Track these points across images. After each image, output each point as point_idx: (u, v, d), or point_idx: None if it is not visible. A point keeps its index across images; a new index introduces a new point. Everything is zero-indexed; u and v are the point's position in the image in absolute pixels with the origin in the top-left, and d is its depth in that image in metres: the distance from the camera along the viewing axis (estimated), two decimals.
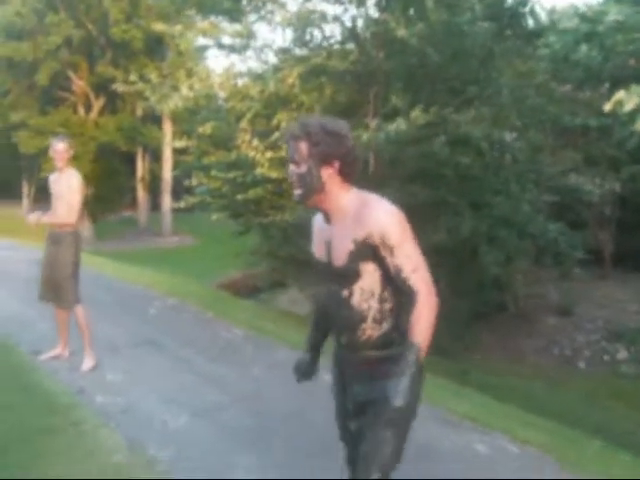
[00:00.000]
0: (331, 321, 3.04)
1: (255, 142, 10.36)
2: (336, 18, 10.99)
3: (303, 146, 2.82)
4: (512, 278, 15.92)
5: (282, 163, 10.45)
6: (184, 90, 10.78)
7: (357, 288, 2.87)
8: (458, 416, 6.17)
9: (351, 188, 2.89)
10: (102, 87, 30.80)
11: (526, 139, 11.58)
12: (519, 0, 11.22)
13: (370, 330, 2.89)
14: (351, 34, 10.83)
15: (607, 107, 4.54)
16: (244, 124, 10.67)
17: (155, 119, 32.81)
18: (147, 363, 7.32)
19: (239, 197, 10.90)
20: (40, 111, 31.27)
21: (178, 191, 30.36)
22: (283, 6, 11.29)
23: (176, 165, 29.72)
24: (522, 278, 17.20)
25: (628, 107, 4.41)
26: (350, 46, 10.83)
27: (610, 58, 16.77)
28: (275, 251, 12.93)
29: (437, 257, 11.02)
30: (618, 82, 17.72)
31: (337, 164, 2.83)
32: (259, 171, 10.46)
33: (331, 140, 2.80)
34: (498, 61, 10.98)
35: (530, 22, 11.38)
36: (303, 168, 2.83)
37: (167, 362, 7.38)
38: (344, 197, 2.86)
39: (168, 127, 32.33)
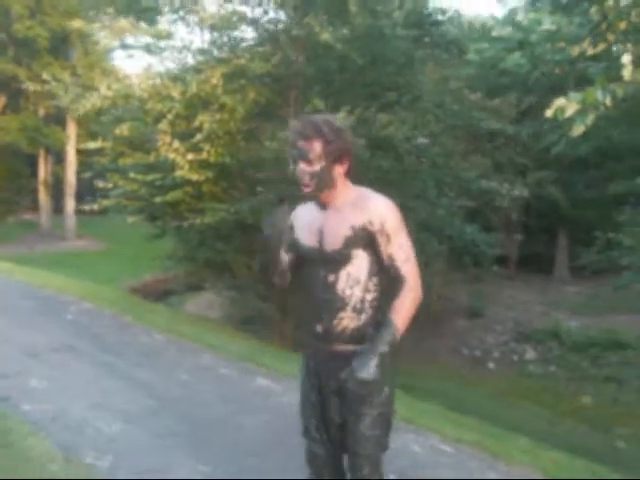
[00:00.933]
0: (311, 307, 3.06)
1: (176, 144, 10.21)
2: (254, 21, 10.96)
3: (317, 145, 2.88)
4: (430, 281, 16.19)
5: (203, 165, 10.35)
6: (103, 90, 10.53)
7: (344, 273, 2.94)
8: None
9: (349, 183, 3.01)
10: (4, 85, 29.74)
11: (440, 144, 11.79)
12: (438, 8, 11.44)
13: (348, 320, 2.95)
14: (271, 37, 10.80)
15: (548, 113, 4.67)
16: (164, 125, 10.48)
17: (58, 120, 31.89)
18: (70, 369, 7.09)
19: (157, 200, 10.69)
20: None
21: (83, 194, 29.62)
22: (202, 8, 11.14)
23: (82, 167, 28.95)
24: (438, 281, 17.54)
25: (568, 113, 4.57)
26: (268, 49, 10.76)
27: (538, 66, 17.28)
28: (192, 255, 12.75)
29: None
30: (544, 90, 18.35)
31: (347, 162, 2.95)
32: (179, 173, 10.31)
33: (340, 138, 2.90)
34: (418, 67, 11.16)
35: (451, 30, 11.63)
36: (316, 167, 2.89)
37: (91, 367, 7.16)
38: (344, 190, 2.98)
39: (72, 128, 31.47)
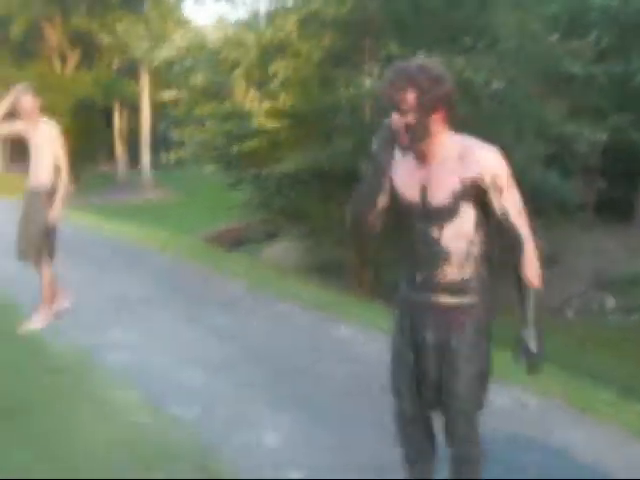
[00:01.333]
0: (412, 260, 2.96)
1: (251, 92, 10.13)
2: None
3: (410, 96, 2.70)
4: None
5: (279, 114, 10.25)
6: (177, 40, 10.50)
7: (450, 227, 2.83)
8: None
9: (450, 131, 2.84)
10: (78, 39, 30.10)
11: (518, 87, 11.39)
12: None
13: (451, 272, 2.86)
14: None
15: None
16: (239, 74, 10.40)
17: (132, 72, 32.18)
18: (154, 320, 7.18)
19: (234, 149, 10.68)
20: (15, 65, 30.51)
21: (158, 145, 29.93)
22: None
23: (156, 119, 29.24)
24: None
25: None
26: None
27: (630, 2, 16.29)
28: (268, 203, 12.77)
29: None
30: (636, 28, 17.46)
31: (444, 110, 2.76)
32: (255, 122, 10.25)
33: (437, 86, 2.71)
34: (494, 8, 10.75)
35: None
36: (411, 118, 2.72)
37: (173, 319, 7.25)
38: (446, 140, 2.82)
39: (146, 80, 31.70)
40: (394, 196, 2.98)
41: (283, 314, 7.71)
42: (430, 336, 2.92)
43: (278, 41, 10.12)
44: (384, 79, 2.85)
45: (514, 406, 5.18)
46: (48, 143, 6.45)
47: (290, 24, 9.74)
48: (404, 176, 2.94)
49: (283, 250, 17.42)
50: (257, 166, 11.00)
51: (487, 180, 2.73)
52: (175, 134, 12.63)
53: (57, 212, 6.49)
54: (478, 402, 2.96)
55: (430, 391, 2.98)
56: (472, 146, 2.78)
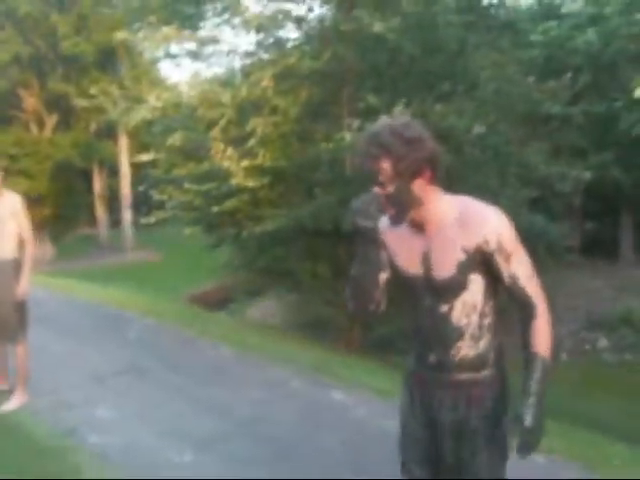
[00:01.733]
0: (421, 337, 2.72)
1: (229, 151, 9.96)
2: (300, 19, 10.67)
3: (386, 165, 2.45)
4: None
5: (258, 172, 10.08)
6: (152, 100, 10.34)
7: (459, 301, 2.58)
8: None
9: (441, 192, 2.59)
10: (54, 103, 30.11)
11: (499, 132, 11.31)
12: None
13: (466, 348, 2.62)
14: (319, 34, 10.47)
15: (637, 93, 4.26)
16: (216, 133, 10.23)
17: (110, 134, 32.17)
18: (137, 393, 6.85)
19: (214, 209, 10.46)
20: None
21: (139, 205, 29.81)
22: (245, 9, 10.87)
23: (136, 179, 29.14)
24: None
25: None
26: (316, 46, 10.43)
27: (611, 43, 16.25)
28: (251, 262, 12.52)
29: None
30: (616, 67, 17.50)
31: (428, 172, 2.50)
32: (234, 181, 10.05)
33: (414, 150, 2.45)
34: (473, 54, 10.71)
35: (506, 13, 11.17)
36: (391, 189, 2.48)
37: (159, 390, 6.93)
38: (440, 203, 2.57)
39: (124, 141, 31.70)
40: (394, 269, 2.74)
41: (274, 380, 7.41)
42: (447, 416, 2.68)
43: (254, 97, 9.99)
44: (356, 149, 2.62)
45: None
46: (12, 216, 6.19)
47: (266, 79, 9.61)
48: (402, 247, 2.70)
49: (267, 309, 17.20)
50: (238, 225, 10.79)
51: (492, 245, 2.49)
52: (155, 195, 12.40)
53: (25, 286, 6.20)
54: (497, 478, 2.71)
55: (447, 472, 2.73)
56: (472, 208, 2.54)
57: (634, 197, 23.21)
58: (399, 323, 14.09)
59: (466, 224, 2.50)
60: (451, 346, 2.61)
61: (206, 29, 11.16)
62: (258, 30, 10.74)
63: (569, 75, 14.31)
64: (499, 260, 2.51)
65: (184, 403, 6.45)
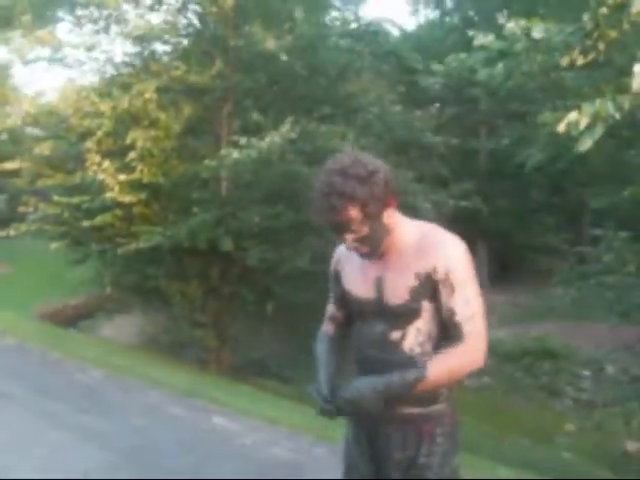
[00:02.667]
0: (367, 367, 2.54)
1: (105, 164, 9.50)
2: (185, 32, 10.40)
3: (354, 213, 2.32)
4: None
5: (135, 186, 9.68)
6: (25, 106, 9.73)
7: (413, 329, 2.46)
8: None
9: (402, 217, 2.50)
10: None
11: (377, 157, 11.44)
12: (368, 21, 11.13)
13: None
14: (205, 49, 10.23)
15: (561, 128, 4.34)
16: (91, 144, 9.74)
17: None
18: (7, 422, 6.31)
19: (84, 224, 9.92)
20: None
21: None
22: (122, 19, 10.48)
23: None
24: None
25: (582, 125, 4.25)
26: (201, 60, 10.19)
27: (512, 77, 16.71)
28: (118, 280, 12.00)
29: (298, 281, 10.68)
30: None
31: (392, 199, 2.40)
32: (109, 195, 9.59)
33: (376, 183, 2.33)
34: (354, 79, 10.80)
35: (390, 41, 11.34)
36: (364, 231, 2.37)
37: (28, 419, 6.40)
38: (403, 229, 2.47)
39: None
40: (344, 292, 2.65)
41: (152, 406, 7.08)
42: (395, 453, 2.53)
43: (135, 110, 9.59)
44: (315, 207, 2.40)
45: None
46: None
47: (149, 92, 9.25)
48: (354, 270, 2.60)
49: (122, 326, 16.55)
50: (108, 241, 10.29)
51: (439, 274, 2.39)
52: (20, 207, 11.61)
53: None
54: None
55: None
56: (430, 235, 2.45)
57: (490, 227, 24.17)
58: (272, 346, 13.99)
59: (421, 250, 2.42)
60: None
61: (80, 36, 10.58)
62: (139, 41, 10.37)
63: (436, 105, 14.73)
64: (442, 291, 2.41)
65: (60, 433, 5.98)
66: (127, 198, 9.58)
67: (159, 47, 10.59)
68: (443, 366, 2.38)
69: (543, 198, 24.59)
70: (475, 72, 7.01)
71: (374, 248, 2.43)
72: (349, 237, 2.39)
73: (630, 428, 10.06)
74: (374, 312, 2.51)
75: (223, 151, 8.83)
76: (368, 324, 2.54)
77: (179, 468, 5.25)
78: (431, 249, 2.41)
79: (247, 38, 9.22)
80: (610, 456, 10.39)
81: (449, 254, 2.39)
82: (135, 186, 9.62)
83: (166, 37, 10.22)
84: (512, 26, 5.29)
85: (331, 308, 2.83)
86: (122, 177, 9.44)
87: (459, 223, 21.89)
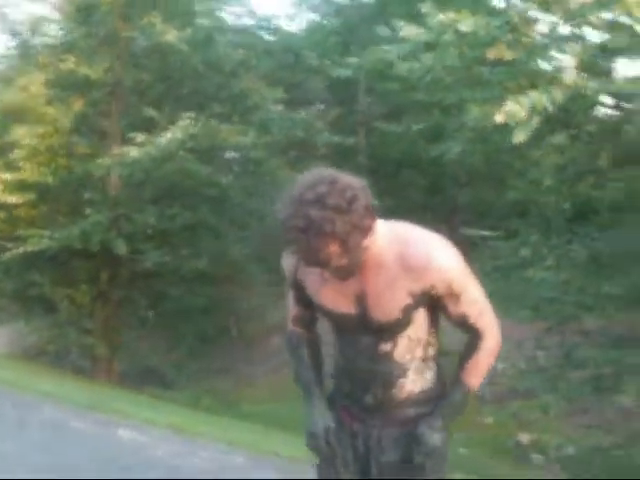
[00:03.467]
0: (352, 378, 2.41)
1: None
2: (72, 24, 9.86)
3: (334, 249, 2.03)
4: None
5: (20, 186, 9.09)
6: None
7: (403, 338, 2.30)
8: None
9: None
10: None
11: (273, 156, 11.28)
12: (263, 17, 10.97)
13: (410, 384, 2.35)
14: (99, 42, 9.73)
15: (499, 118, 4.29)
16: None
17: None
18: None
19: None
20: None
21: None
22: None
23: None
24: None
25: (520, 117, 4.22)
26: (92, 54, 9.71)
27: (431, 72, 16.73)
28: None
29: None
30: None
31: (372, 221, 2.10)
32: None
33: (355, 211, 2.02)
34: (250, 76, 10.58)
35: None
36: (344, 262, 2.09)
37: None
38: (378, 239, 2.17)
39: None
40: (316, 306, 2.41)
41: (53, 421, 6.64)
42: (388, 456, 2.38)
43: (19, 104, 9.00)
44: (288, 240, 2.10)
45: None
46: None
47: (37, 85, 8.69)
48: (324, 285, 2.31)
49: (4, 336, 15.72)
50: None
51: (440, 290, 2.21)
52: None
53: None
54: None
55: None
56: (415, 248, 2.20)
57: None
58: (164, 352, 13.52)
59: (410, 268, 2.19)
60: (393, 385, 2.34)
61: None
62: (17, 33, 9.76)
63: (322, 107, 14.71)
64: (447, 302, 2.26)
65: None
66: (12, 199, 8.99)
67: (46, 39, 9.94)
68: (478, 370, 2.34)
69: (421, 198, 25.13)
70: (391, 66, 6.91)
71: (351, 272, 2.20)
72: (327, 269, 2.16)
73: (520, 422, 10.33)
74: (357, 326, 2.32)
75: (116, 149, 8.41)
76: (350, 336, 2.37)
77: None
78: (422, 266, 2.18)
79: (143, 30, 8.82)
80: (503, 448, 10.66)
81: (445, 267, 2.20)
82: (20, 186, 9.04)
83: (52, 29, 9.63)
84: (442, 18, 5.22)
85: (295, 309, 2.55)
86: (6, 176, 8.86)
87: None
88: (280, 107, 12.49)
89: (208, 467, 5.50)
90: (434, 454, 2.28)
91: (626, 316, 7.40)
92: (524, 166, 9.98)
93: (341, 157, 22.61)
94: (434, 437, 2.27)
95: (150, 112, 8.91)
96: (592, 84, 4.59)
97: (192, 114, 8.40)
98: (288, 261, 2.41)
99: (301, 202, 1.99)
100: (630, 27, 4.83)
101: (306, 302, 2.46)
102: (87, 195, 9.46)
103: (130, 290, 10.22)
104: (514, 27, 4.97)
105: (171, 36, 8.47)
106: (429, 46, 5.81)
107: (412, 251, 2.18)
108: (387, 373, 2.32)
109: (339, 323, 2.36)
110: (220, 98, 10.71)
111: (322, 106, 18.45)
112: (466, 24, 4.95)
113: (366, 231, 2.08)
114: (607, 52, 5.31)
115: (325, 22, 26.26)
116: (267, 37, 11.57)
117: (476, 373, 2.33)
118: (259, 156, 10.09)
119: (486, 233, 10.80)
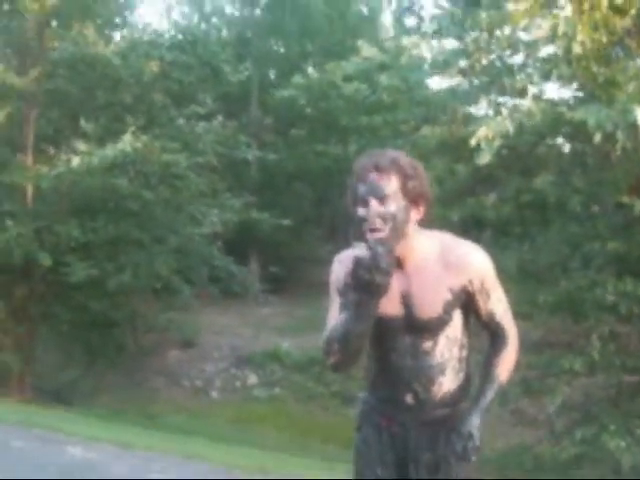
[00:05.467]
0: (395, 379, 2.57)
1: None
2: None
3: (394, 180, 2.34)
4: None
5: None
6: None
7: (443, 337, 2.53)
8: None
9: (424, 231, 2.51)
10: None
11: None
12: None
13: (448, 383, 2.57)
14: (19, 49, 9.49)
15: (473, 141, 4.58)
16: None
17: None
18: None
19: None
20: None
21: None
22: None
23: None
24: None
25: (489, 139, 4.53)
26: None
27: (376, 92, 16.78)
28: None
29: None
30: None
31: (423, 208, 2.43)
32: None
33: (421, 178, 2.41)
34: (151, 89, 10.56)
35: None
36: (393, 206, 2.32)
37: None
38: (420, 240, 2.47)
39: None
40: None
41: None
42: (424, 455, 2.57)
43: None
44: (360, 162, 2.42)
45: None
46: None
47: None
48: None
49: None
50: None
51: (475, 286, 2.50)
52: None
53: None
54: None
55: None
56: (454, 248, 2.50)
57: (261, 238, 24.48)
58: (82, 368, 13.09)
59: (450, 264, 2.47)
60: (433, 382, 2.55)
61: None
62: None
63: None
64: (479, 299, 2.52)
65: None
66: None
67: None
68: (506, 366, 2.56)
69: (313, 210, 25.45)
70: (336, 87, 7.12)
71: (393, 234, 2.34)
72: (375, 205, 2.33)
73: None
74: (401, 326, 2.52)
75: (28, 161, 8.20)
76: (394, 336, 2.54)
77: None
78: (462, 263, 2.47)
79: (75, 40, 8.67)
80: None
81: (480, 265, 2.50)
82: None
83: None
84: (408, 41, 5.48)
85: (337, 318, 2.56)
86: None
87: (231, 235, 22.18)
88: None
89: None
90: (479, 450, 2.43)
91: (562, 323, 7.87)
92: None
93: (231, 170, 22.75)
94: (478, 434, 2.42)
95: (85, 125, 8.79)
96: None
97: (133, 128, 8.33)
98: (339, 266, 2.57)
99: (377, 151, 2.44)
100: None
101: None
102: (7, 206, 9.17)
103: (51, 305, 9.96)
104: (469, 54, 5.27)
105: (104, 48, 8.42)
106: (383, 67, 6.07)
107: (452, 250, 2.48)
108: (429, 370, 2.52)
109: (383, 326, 2.48)
110: (139, 110, 10.64)
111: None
112: (425, 49, 5.22)
113: (421, 195, 2.39)
114: None
115: (216, 32, 26.31)
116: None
117: (505, 369, 2.55)
118: (180, 171, 10.08)
119: None
